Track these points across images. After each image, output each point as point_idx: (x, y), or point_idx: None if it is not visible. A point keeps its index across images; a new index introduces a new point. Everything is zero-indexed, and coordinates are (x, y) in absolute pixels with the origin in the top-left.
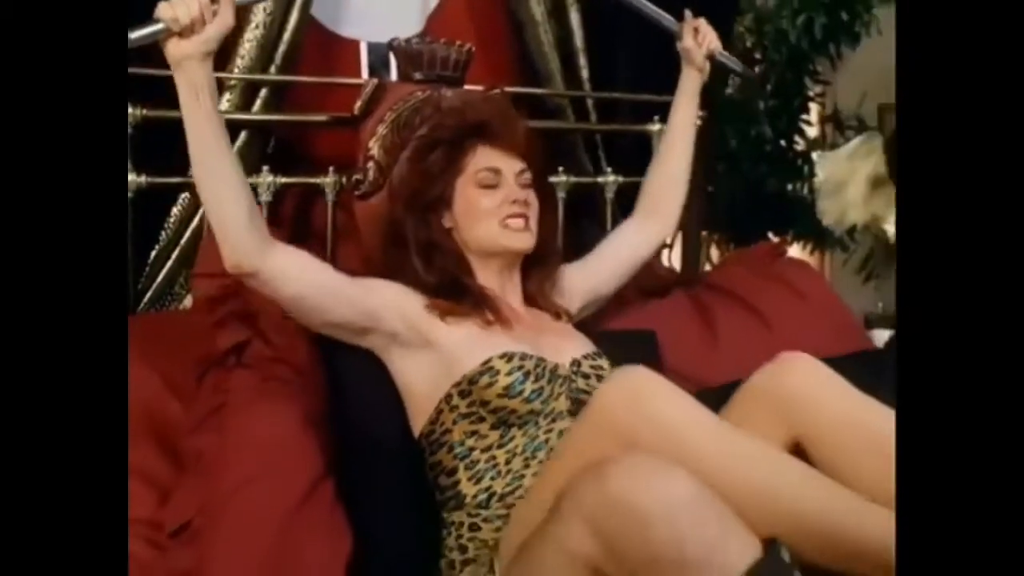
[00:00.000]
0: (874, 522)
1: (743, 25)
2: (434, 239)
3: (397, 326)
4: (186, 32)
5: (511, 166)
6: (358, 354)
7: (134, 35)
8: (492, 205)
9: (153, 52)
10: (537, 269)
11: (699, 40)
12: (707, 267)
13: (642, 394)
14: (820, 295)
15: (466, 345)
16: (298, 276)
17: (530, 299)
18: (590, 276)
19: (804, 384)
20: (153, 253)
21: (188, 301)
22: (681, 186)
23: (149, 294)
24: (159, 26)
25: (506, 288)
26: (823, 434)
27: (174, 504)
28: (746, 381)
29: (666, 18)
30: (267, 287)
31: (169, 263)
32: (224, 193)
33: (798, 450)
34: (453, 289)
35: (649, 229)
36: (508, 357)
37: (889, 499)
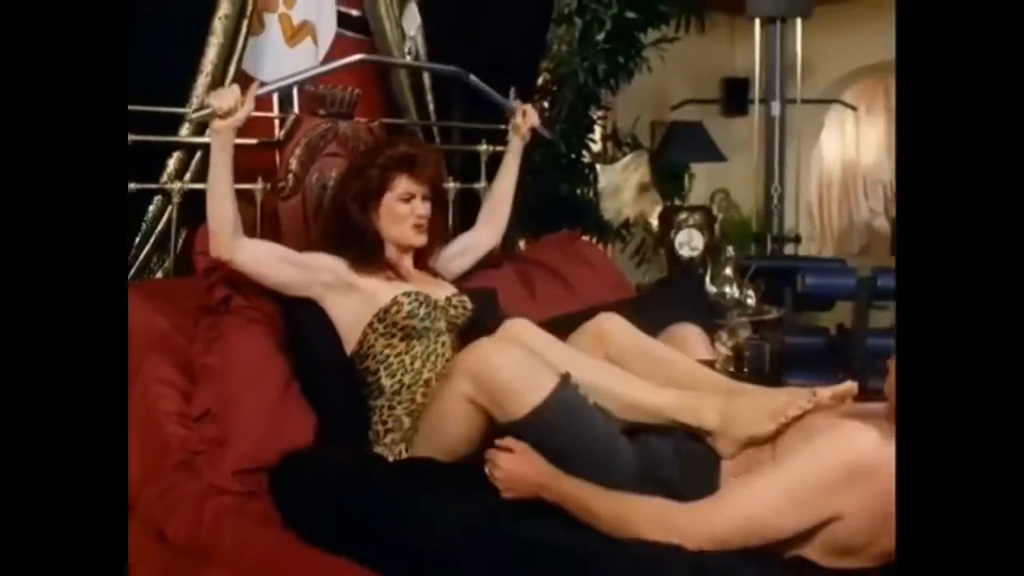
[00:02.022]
0: (650, 390)
1: (544, 68)
2: (365, 221)
3: (329, 278)
4: (224, 115)
5: (421, 191)
6: (305, 306)
7: (194, 115)
8: (405, 213)
9: (139, 93)
10: (427, 248)
11: (525, 119)
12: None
13: (523, 328)
14: (604, 265)
15: (380, 290)
16: (258, 261)
17: (419, 265)
18: (448, 262)
19: (611, 327)
20: (136, 240)
21: (159, 275)
22: (507, 205)
23: (132, 270)
24: (209, 110)
25: (403, 259)
26: (620, 353)
27: (196, 400)
28: (583, 326)
29: (504, 101)
30: (237, 267)
31: (147, 247)
32: (223, 208)
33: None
34: (370, 257)
35: (488, 232)
36: (407, 294)
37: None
